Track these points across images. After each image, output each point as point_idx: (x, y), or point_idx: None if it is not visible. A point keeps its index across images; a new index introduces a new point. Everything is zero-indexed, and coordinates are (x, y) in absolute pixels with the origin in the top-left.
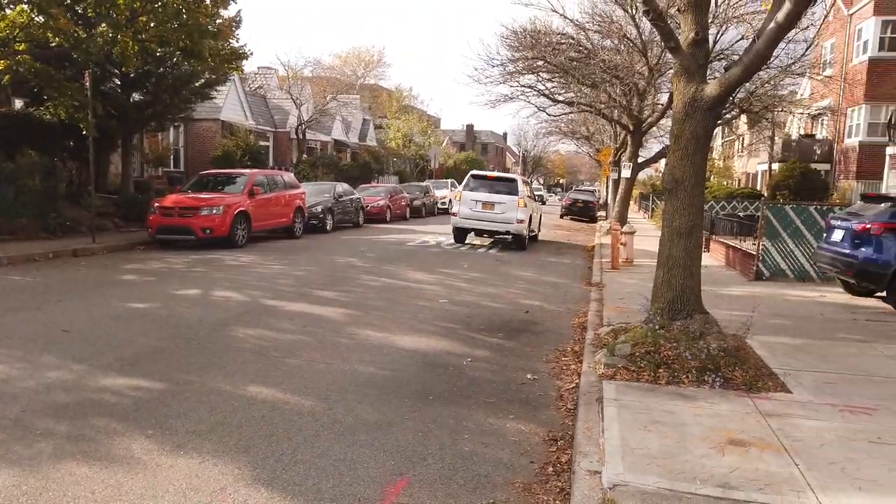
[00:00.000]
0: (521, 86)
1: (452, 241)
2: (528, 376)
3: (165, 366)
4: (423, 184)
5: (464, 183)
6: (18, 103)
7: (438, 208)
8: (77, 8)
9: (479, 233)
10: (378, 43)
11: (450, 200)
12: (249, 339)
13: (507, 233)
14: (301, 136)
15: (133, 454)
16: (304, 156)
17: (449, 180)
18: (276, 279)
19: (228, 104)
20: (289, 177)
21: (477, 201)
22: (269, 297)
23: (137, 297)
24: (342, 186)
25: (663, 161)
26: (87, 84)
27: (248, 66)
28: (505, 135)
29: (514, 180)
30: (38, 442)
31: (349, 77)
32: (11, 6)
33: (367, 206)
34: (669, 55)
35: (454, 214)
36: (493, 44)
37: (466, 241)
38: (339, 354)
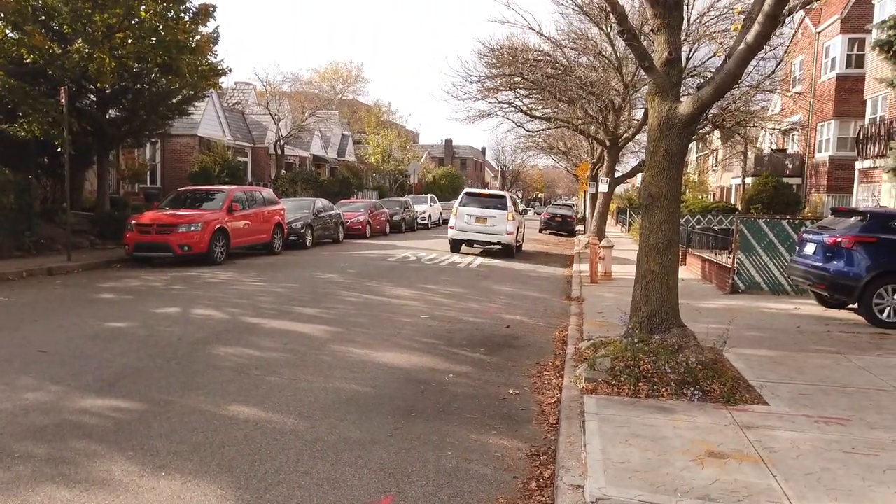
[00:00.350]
0: (499, 101)
1: (433, 256)
2: (511, 391)
3: (145, 386)
4: (403, 199)
5: (459, 199)
6: None
7: (418, 223)
8: (52, 24)
9: (470, 243)
10: (356, 58)
11: (429, 215)
12: (230, 358)
13: (498, 243)
14: (280, 152)
15: (114, 476)
16: (283, 171)
17: (429, 195)
18: (256, 296)
19: (206, 120)
20: (268, 193)
21: (471, 216)
22: (249, 314)
23: (115, 317)
24: (322, 202)
25: (639, 176)
26: (63, 101)
27: (226, 81)
28: (483, 149)
29: (503, 197)
30: (16, 465)
31: (327, 92)
32: None
33: (347, 222)
34: (643, 72)
35: (451, 227)
36: (471, 60)
37: (461, 251)
38: (322, 372)
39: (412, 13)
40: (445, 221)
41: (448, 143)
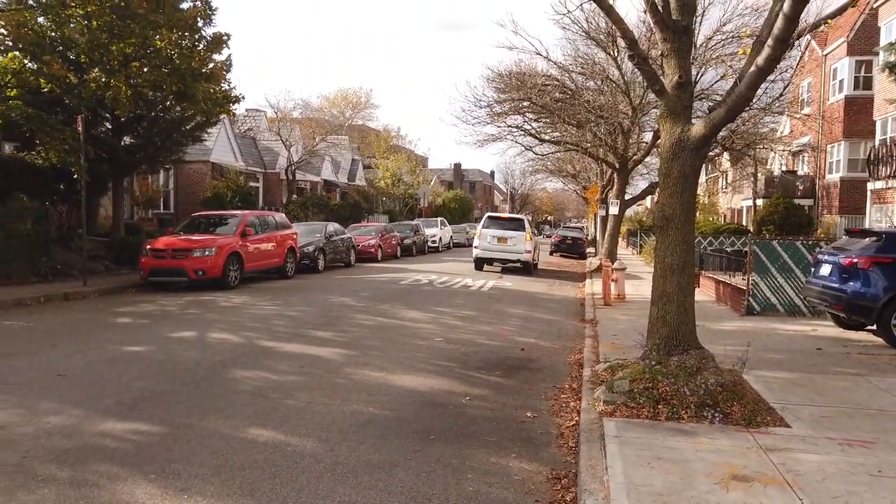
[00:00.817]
0: (508, 126)
1: (445, 279)
2: (528, 414)
3: (165, 409)
4: (413, 222)
5: (482, 223)
6: (8, 147)
7: (429, 247)
8: (69, 54)
9: (491, 261)
10: (365, 84)
11: (439, 238)
12: (247, 381)
13: (518, 261)
14: (291, 177)
15: (137, 499)
16: (294, 196)
17: (439, 219)
18: (270, 320)
19: (218, 146)
20: (280, 217)
21: (493, 237)
22: (264, 338)
23: (132, 341)
24: (333, 226)
25: (650, 198)
26: (80, 129)
27: (238, 108)
28: (492, 173)
29: (521, 220)
30: (40, 488)
31: (337, 118)
32: (3, 53)
33: (359, 246)
34: (652, 95)
35: (475, 247)
36: (480, 85)
37: (484, 269)
38: (338, 395)
39: (421, 40)
40: (456, 245)
41: (457, 167)
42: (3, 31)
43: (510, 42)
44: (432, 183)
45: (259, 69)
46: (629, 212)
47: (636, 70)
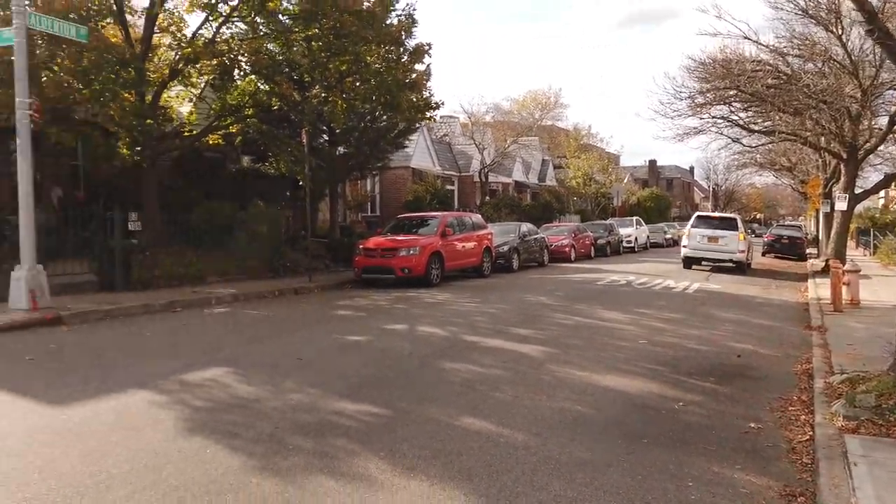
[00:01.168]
0: (712, 117)
1: (643, 280)
2: (752, 425)
3: (387, 394)
4: (607, 222)
5: (690, 222)
6: (246, 160)
7: (623, 247)
8: (293, 74)
9: (698, 261)
10: (554, 84)
11: (634, 238)
12: (456, 373)
13: (730, 261)
14: (484, 179)
15: (370, 473)
16: (487, 198)
17: (634, 218)
18: (471, 316)
19: (418, 152)
20: (477, 218)
21: (703, 236)
22: (467, 333)
23: (354, 331)
24: (526, 226)
25: (884, 192)
26: (304, 141)
27: (436, 114)
28: (692, 169)
29: (734, 219)
30: (291, 455)
31: (526, 120)
32: (241, 78)
33: (552, 246)
34: (887, 74)
35: (684, 247)
36: (680, 76)
37: (692, 267)
38: (543, 391)
39: (611, 35)
40: (654, 245)
41: (652, 163)
42: (243, 58)
43: (713, 28)
44: (625, 181)
45: (452, 76)
46: (859, 207)
47: (865, 48)
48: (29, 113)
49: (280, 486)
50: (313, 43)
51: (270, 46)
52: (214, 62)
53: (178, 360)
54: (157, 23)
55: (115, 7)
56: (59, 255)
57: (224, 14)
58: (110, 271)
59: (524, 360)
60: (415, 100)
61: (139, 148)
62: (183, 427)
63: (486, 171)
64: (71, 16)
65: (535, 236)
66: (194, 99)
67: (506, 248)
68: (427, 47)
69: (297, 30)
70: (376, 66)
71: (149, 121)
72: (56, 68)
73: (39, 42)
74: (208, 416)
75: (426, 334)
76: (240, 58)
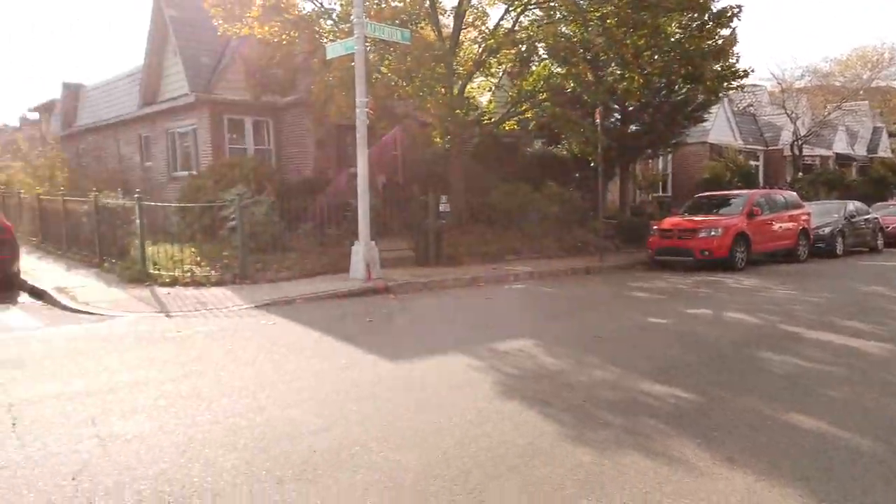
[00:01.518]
0: None
1: None
2: None
3: (695, 379)
4: None
5: None
6: (538, 143)
7: None
8: (587, 55)
9: None
10: (888, 38)
11: None
12: (775, 364)
13: None
14: (797, 153)
15: (687, 458)
16: (801, 174)
17: None
18: (787, 304)
19: (717, 126)
20: (791, 196)
21: None
22: (784, 322)
23: (653, 313)
24: (854, 205)
25: None
26: (598, 121)
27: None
28: None
29: None
30: (601, 429)
31: (852, 82)
32: (535, 63)
33: (888, 228)
34: None
35: None
36: None
37: None
38: (893, 393)
39: None
40: None
41: None
42: (540, 44)
43: None
44: None
45: (759, 38)
46: None
47: None
48: (366, 111)
49: (594, 458)
50: (608, 21)
51: (565, 29)
52: (513, 51)
53: (488, 329)
54: (463, 19)
55: (429, 9)
56: (384, 234)
57: (524, 2)
58: (424, 248)
59: (860, 357)
60: (719, 69)
61: (449, 136)
62: (499, 391)
63: (800, 143)
64: (395, 21)
65: (866, 217)
66: (493, 88)
67: (827, 230)
68: (736, 9)
69: (591, 10)
70: (677, 35)
71: (458, 111)
72: (384, 70)
73: (369, 48)
74: (519, 382)
75: (734, 321)
76: (537, 44)
